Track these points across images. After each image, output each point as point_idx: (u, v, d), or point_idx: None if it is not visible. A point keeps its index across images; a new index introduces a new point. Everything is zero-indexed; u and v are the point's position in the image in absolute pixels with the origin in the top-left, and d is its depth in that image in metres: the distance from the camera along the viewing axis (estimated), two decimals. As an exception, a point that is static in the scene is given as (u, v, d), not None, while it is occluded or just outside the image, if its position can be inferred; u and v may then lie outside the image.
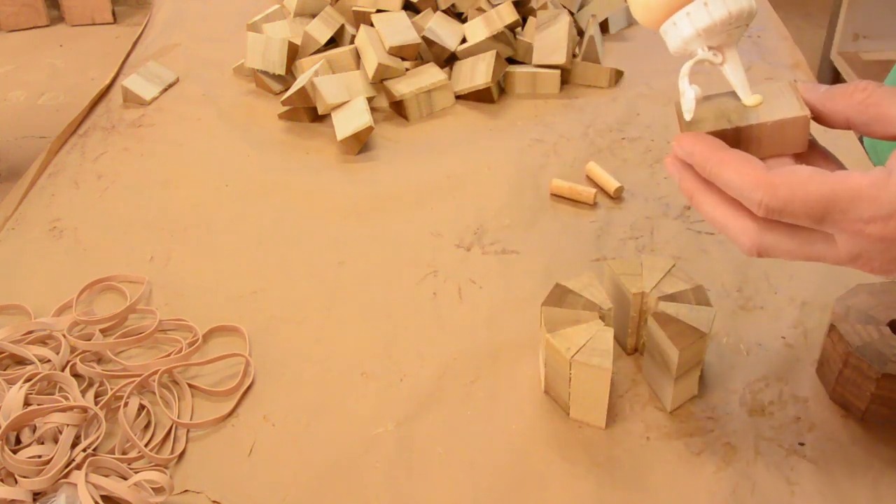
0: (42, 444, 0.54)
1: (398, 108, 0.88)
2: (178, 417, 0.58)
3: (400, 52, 0.89)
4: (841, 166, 0.44)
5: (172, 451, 0.56)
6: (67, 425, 0.55)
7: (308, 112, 0.88)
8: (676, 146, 0.42)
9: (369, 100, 0.86)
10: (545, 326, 0.55)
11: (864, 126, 0.40)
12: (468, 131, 0.86)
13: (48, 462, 0.53)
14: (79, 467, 0.53)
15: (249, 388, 0.60)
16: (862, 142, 0.83)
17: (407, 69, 0.90)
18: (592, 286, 0.58)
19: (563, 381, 0.55)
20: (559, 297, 0.57)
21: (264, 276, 0.70)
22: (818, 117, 0.43)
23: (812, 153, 0.44)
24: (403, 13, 0.92)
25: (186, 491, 0.53)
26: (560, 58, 0.90)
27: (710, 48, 0.44)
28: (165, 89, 0.95)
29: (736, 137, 0.43)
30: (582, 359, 0.53)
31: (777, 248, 0.40)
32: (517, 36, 0.92)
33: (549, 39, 0.91)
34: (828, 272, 0.66)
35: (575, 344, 0.53)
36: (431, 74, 0.88)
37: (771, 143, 0.43)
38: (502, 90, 0.92)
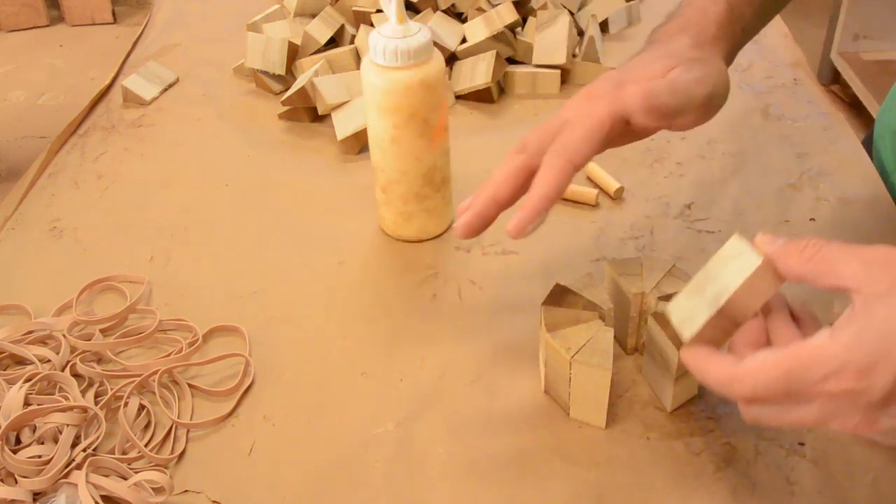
0: (42, 444, 0.54)
1: (398, 108, 0.88)
2: (178, 417, 0.58)
3: (400, 52, 0.89)
4: (813, 317, 0.47)
5: (172, 451, 0.56)
6: (67, 425, 0.55)
7: (308, 112, 0.88)
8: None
9: (369, 100, 0.86)
10: (545, 326, 0.55)
11: (816, 279, 0.44)
12: (468, 131, 0.86)
13: (48, 462, 0.53)
14: (79, 467, 0.53)
15: (249, 388, 0.60)
16: (868, 147, 0.82)
17: (407, 69, 0.90)
18: (592, 286, 0.58)
19: (563, 381, 0.55)
20: (559, 296, 0.57)
21: (264, 276, 0.70)
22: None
23: (781, 314, 0.47)
24: (403, 13, 0.91)
25: (186, 491, 0.53)
26: (560, 58, 0.90)
27: None
28: (165, 89, 0.95)
29: (720, 315, 0.46)
30: (582, 359, 0.53)
31: (765, 419, 0.44)
32: (517, 36, 0.92)
33: (549, 39, 0.91)
34: (828, 272, 0.66)
35: (575, 344, 0.53)
36: (431, 74, 0.88)
37: (747, 302, 0.46)
38: (502, 90, 0.92)
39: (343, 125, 0.83)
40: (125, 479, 0.53)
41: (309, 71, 0.88)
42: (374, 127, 0.67)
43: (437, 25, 0.91)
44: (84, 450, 0.54)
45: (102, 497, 0.52)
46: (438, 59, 0.66)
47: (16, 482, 0.52)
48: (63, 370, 0.60)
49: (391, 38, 0.63)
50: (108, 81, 0.97)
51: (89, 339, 0.63)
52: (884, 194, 0.74)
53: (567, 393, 0.55)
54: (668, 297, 0.56)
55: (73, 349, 0.62)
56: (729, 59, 0.57)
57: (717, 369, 0.45)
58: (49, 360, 0.61)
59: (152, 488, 0.52)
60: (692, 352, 0.47)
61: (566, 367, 0.53)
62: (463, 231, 0.54)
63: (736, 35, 0.58)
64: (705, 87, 0.52)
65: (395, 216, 0.71)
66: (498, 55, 0.89)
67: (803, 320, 0.47)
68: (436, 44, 0.88)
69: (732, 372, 0.43)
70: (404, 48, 0.63)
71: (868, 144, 0.83)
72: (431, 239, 0.72)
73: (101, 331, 0.64)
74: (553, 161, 0.51)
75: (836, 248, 0.44)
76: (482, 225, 0.55)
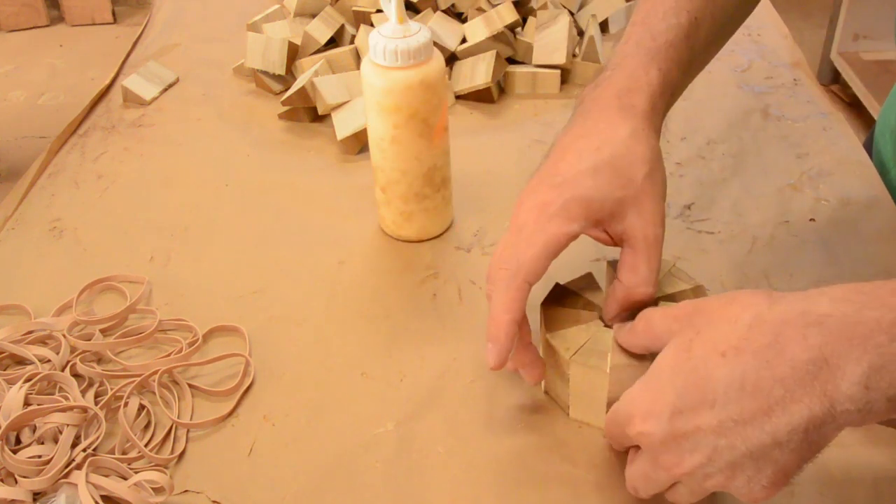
0: (42, 444, 0.54)
1: (398, 108, 0.88)
2: (178, 417, 0.58)
3: (400, 52, 0.89)
4: None
5: (172, 451, 0.56)
6: (67, 425, 0.55)
7: (308, 112, 0.88)
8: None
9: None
10: (544, 326, 0.55)
11: (650, 346, 0.49)
12: (468, 131, 0.86)
13: (48, 462, 0.53)
14: (79, 467, 0.53)
15: (249, 388, 0.60)
16: (869, 148, 0.82)
17: (407, 69, 0.90)
18: (592, 286, 0.58)
19: (562, 381, 0.55)
20: (559, 296, 0.57)
21: (264, 276, 0.70)
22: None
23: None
24: (403, 13, 0.91)
25: (186, 491, 0.53)
26: (560, 58, 0.90)
27: None
28: (165, 89, 0.95)
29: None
30: (580, 360, 0.53)
31: (628, 474, 0.49)
32: (517, 36, 0.92)
33: (549, 39, 0.91)
34: (828, 272, 0.66)
35: (574, 344, 0.53)
36: (431, 74, 0.88)
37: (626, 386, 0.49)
38: (502, 90, 0.92)
39: (343, 125, 0.83)
40: (125, 479, 0.53)
41: (309, 71, 0.88)
42: (374, 127, 0.67)
43: (437, 25, 0.91)
44: (84, 450, 0.54)
45: (102, 497, 0.52)
46: (438, 59, 0.66)
47: (16, 482, 0.52)
48: (63, 370, 0.60)
49: (391, 38, 0.63)
50: (108, 81, 0.97)
51: (89, 339, 0.63)
52: (884, 194, 0.74)
53: (567, 393, 0.55)
54: (669, 297, 0.56)
55: (73, 349, 0.62)
56: (659, 127, 0.56)
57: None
58: (49, 360, 0.61)
59: (152, 488, 0.52)
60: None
61: (565, 367, 0.53)
62: (497, 367, 0.53)
63: (667, 103, 0.57)
64: (623, 190, 0.52)
65: (395, 216, 0.71)
66: (498, 55, 0.89)
67: None
68: (436, 44, 0.89)
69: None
70: (404, 48, 0.63)
71: (869, 145, 0.83)
72: (431, 239, 0.72)
73: (101, 331, 0.64)
74: (509, 283, 0.52)
75: (655, 312, 0.48)
76: (508, 355, 0.54)
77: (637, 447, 0.47)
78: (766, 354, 0.41)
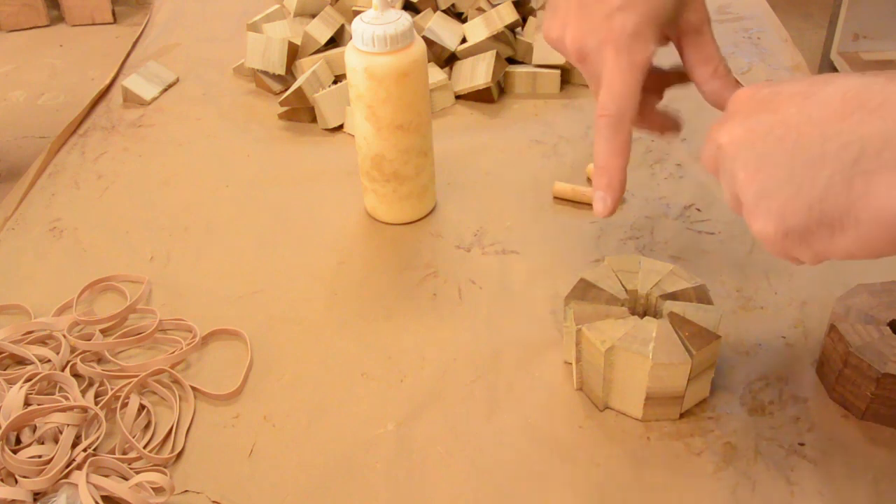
0: (42, 444, 0.54)
1: (398, 109, 0.88)
2: (179, 417, 0.58)
3: (400, 53, 0.89)
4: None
5: (172, 452, 0.56)
6: (68, 425, 0.55)
7: (308, 112, 0.88)
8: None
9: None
10: (575, 321, 0.55)
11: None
12: (468, 131, 0.86)
13: (48, 462, 0.53)
14: (79, 467, 0.53)
15: (249, 388, 0.60)
16: None
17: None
18: (609, 276, 0.58)
19: (597, 373, 0.55)
20: (583, 291, 0.57)
21: (264, 276, 0.70)
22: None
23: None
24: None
25: (186, 491, 0.53)
26: (560, 58, 0.90)
27: None
28: (165, 89, 0.95)
29: None
30: (624, 345, 0.53)
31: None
32: (517, 36, 0.93)
33: (549, 39, 0.91)
34: (828, 272, 0.66)
35: (612, 335, 0.53)
36: (431, 74, 0.88)
37: None
38: (502, 90, 0.92)
39: (330, 115, 0.84)
40: (126, 479, 0.53)
41: (308, 71, 0.88)
42: (354, 111, 0.69)
43: (437, 25, 0.91)
44: (84, 450, 0.54)
45: (103, 497, 0.52)
46: (419, 48, 0.66)
47: (16, 482, 0.52)
48: (63, 370, 0.60)
49: (369, 23, 0.64)
50: (108, 81, 0.97)
51: (89, 339, 0.63)
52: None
53: (601, 386, 0.55)
54: (671, 296, 0.56)
55: (73, 349, 0.62)
56: None
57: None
58: (49, 360, 0.61)
59: (153, 489, 0.52)
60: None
61: (606, 355, 0.53)
62: (610, 212, 0.53)
63: None
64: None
65: (376, 201, 0.73)
66: (498, 55, 0.89)
67: None
68: (436, 44, 0.89)
69: None
70: (381, 34, 0.64)
71: None
72: (402, 224, 0.74)
73: (101, 331, 0.64)
74: (616, 127, 0.51)
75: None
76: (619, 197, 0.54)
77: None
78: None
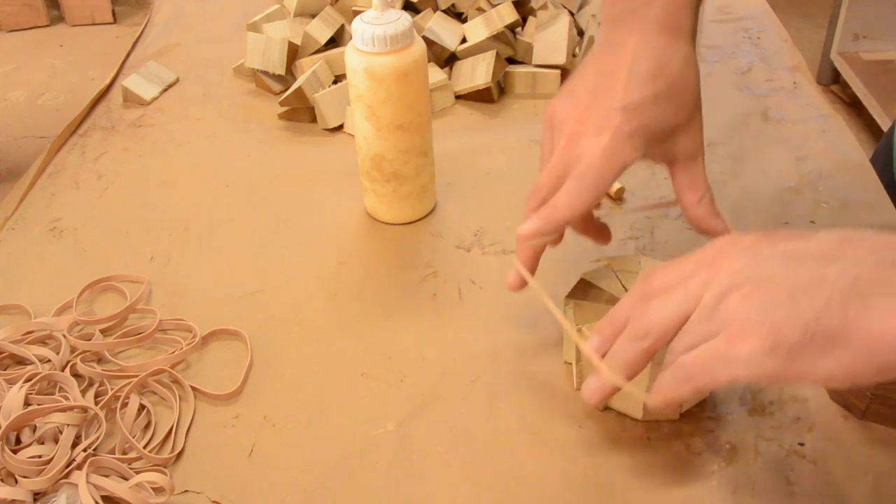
0: (42, 444, 0.54)
1: (398, 109, 0.88)
2: (179, 417, 0.58)
3: (400, 53, 0.89)
4: None
5: (172, 452, 0.56)
6: (68, 425, 0.55)
7: (308, 112, 0.88)
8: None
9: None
10: (575, 322, 0.55)
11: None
12: (468, 131, 0.86)
13: (48, 462, 0.53)
14: (79, 467, 0.53)
15: (249, 388, 0.60)
16: (881, 159, 0.82)
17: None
18: (609, 276, 0.58)
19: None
20: (583, 292, 0.57)
21: (264, 276, 0.70)
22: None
23: None
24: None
25: (186, 491, 0.53)
26: (560, 58, 0.90)
27: None
28: (165, 89, 0.95)
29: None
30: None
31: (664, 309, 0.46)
32: (517, 36, 0.92)
33: (549, 39, 0.91)
34: (828, 272, 0.66)
35: None
36: (431, 74, 0.88)
37: None
38: (502, 90, 0.92)
39: (330, 114, 0.84)
40: (126, 479, 0.53)
41: (308, 71, 0.88)
42: (354, 111, 0.69)
43: (437, 25, 0.91)
44: (84, 450, 0.54)
45: (103, 497, 0.52)
46: (419, 48, 0.66)
47: (16, 482, 0.52)
48: (63, 370, 0.60)
49: (369, 23, 0.64)
50: (108, 81, 0.97)
51: (89, 339, 0.63)
52: (883, 197, 0.74)
53: None
54: None
55: (73, 349, 0.62)
56: (693, 34, 0.56)
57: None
58: (49, 360, 0.61)
59: (153, 489, 0.52)
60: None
61: (600, 360, 0.53)
62: (532, 235, 0.55)
63: (698, 10, 0.57)
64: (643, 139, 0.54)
65: (376, 201, 0.73)
66: (498, 55, 0.89)
67: None
68: (436, 44, 0.89)
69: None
70: (381, 34, 0.64)
71: (881, 153, 0.83)
72: (400, 225, 0.74)
73: (101, 331, 0.64)
74: (587, 186, 0.53)
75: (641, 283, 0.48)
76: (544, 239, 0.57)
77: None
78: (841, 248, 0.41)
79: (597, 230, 0.60)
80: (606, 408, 0.57)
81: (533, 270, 0.58)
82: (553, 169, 0.55)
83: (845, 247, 0.40)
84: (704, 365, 0.42)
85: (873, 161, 0.80)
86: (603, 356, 0.48)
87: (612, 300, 0.56)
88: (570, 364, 0.59)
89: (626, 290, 0.57)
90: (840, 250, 0.40)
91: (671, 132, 0.55)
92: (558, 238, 0.58)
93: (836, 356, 0.38)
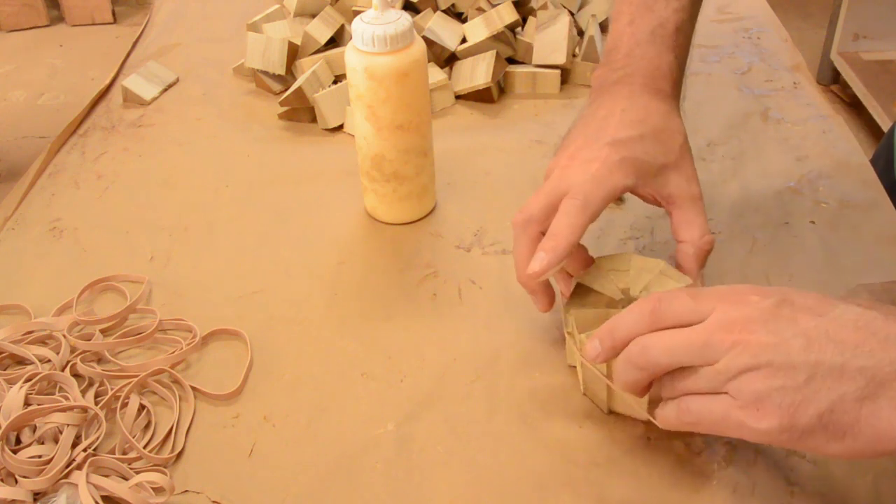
0: (42, 444, 0.54)
1: (398, 109, 0.88)
2: (179, 417, 0.58)
3: (400, 53, 0.89)
4: None
5: (172, 452, 0.56)
6: (68, 425, 0.55)
7: (308, 112, 0.88)
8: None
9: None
10: (577, 329, 0.54)
11: None
12: (468, 131, 0.86)
13: (48, 462, 0.53)
14: (79, 467, 0.53)
15: (249, 388, 0.60)
16: (882, 159, 0.82)
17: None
18: (604, 277, 0.58)
19: (599, 379, 0.54)
20: (581, 297, 0.57)
21: (264, 276, 0.70)
22: None
23: None
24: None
25: (186, 491, 0.53)
26: (560, 58, 0.90)
27: None
28: (165, 89, 0.95)
29: None
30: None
31: (669, 345, 0.47)
32: (517, 36, 0.93)
33: (549, 39, 0.91)
34: (828, 272, 0.66)
35: None
36: (431, 74, 0.88)
37: None
38: (502, 90, 0.92)
39: (330, 114, 0.84)
40: (126, 479, 0.53)
41: (308, 71, 0.88)
42: (354, 111, 0.69)
43: (437, 25, 0.91)
44: (84, 450, 0.54)
45: (103, 497, 0.52)
46: (419, 48, 0.66)
47: (16, 482, 0.52)
48: (63, 370, 0.60)
49: (369, 23, 0.64)
50: (108, 81, 0.97)
51: (89, 339, 0.63)
52: (883, 197, 0.74)
53: (604, 390, 0.55)
54: None
55: (73, 349, 0.62)
56: (675, 97, 0.62)
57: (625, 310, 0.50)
58: (49, 360, 0.61)
59: (153, 489, 0.52)
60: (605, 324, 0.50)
61: (602, 365, 0.53)
62: (541, 273, 0.56)
63: (681, 78, 0.63)
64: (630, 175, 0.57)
65: (376, 201, 0.73)
66: (498, 55, 0.89)
67: None
68: (436, 44, 0.89)
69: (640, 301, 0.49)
70: (381, 34, 0.64)
71: (883, 154, 0.83)
72: (399, 225, 0.74)
73: (101, 331, 0.64)
74: (581, 211, 0.56)
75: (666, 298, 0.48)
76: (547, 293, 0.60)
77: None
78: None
79: (585, 259, 0.61)
80: (611, 411, 0.57)
81: (551, 299, 0.60)
82: (543, 195, 0.57)
83: (866, 339, 0.42)
84: (715, 421, 0.45)
85: (873, 162, 0.80)
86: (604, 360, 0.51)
87: (612, 303, 0.56)
88: (574, 367, 0.58)
89: (620, 291, 0.57)
90: (860, 341, 0.42)
91: (661, 169, 0.58)
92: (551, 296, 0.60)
93: (846, 443, 0.42)
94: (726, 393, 0.44)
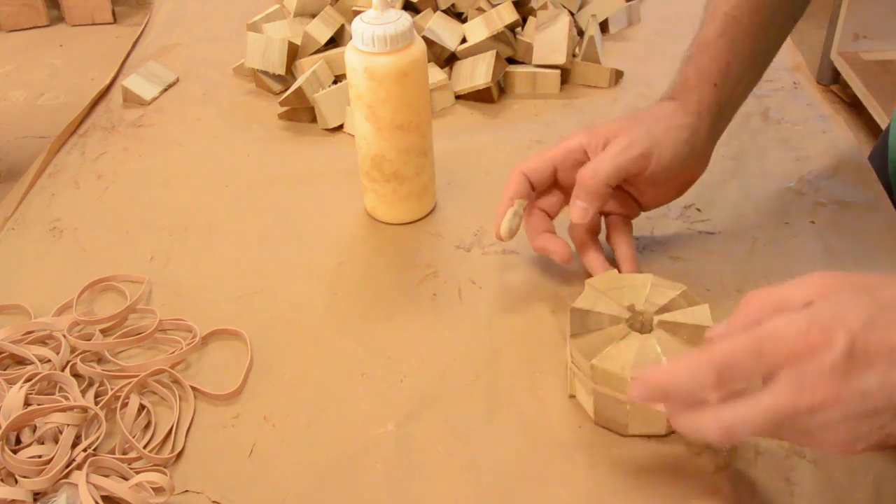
0: (42, 444, 0.54)
1: (398, 109, 0.88)
2: (179, 417, 0.58)
3: (400, 53, 0.89)
4: None
5: (172, 452, 0.56)
6: (68, 425, 0.55)
7: (308, 112, 0.88)
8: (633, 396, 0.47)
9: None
10: (584, 356, 0.53)
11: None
12: (468, 131, 0.86)
13: (48, 462, 0.53)
14: (79, 467, 0.53)
15: (249, 388, 0.60)
16: (879, 157, 0.82)
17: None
18: (599, 299, 0.57)
19: (618, 403, 0.53)
20: (581, 321, 0.55)
21: (264, 276, 0.70)
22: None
23: None
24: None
25: (187, 491, 0.53)
26: (560, 58, 0.90)
27: None
28: (165, 89, 0.95)
29: None
30: (637, 373, 0.50)
31: (737, 415, 0.43)
32: (517, 36, 0.93)
33: (549, 39, 0.91)
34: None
35: (624, 361, 0.52)
36: (431, 74, 0.88)
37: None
38: (502, 90, 0.92)
39: (330, 114, 0.85)
40: (126, 479, 0.53)
41: (308, 71, 0.88)
42: (354, 111, 0.69)
43: (437, 25, 0.91)
44: (84, 450, 0.54)
45: (103, 497, 0.52)
46: (419, 48, 0.66)
47: (16, 482, 0.52)
48: (63, 370, 0.60)
49: (369, 23, 0.64)
50: (108, 81, 0.97)
51: (89, 339, 0.63)
52: (883, 197, 0.74)
53: (624, 412, 0.53)
54: (664, 308, 0.55)
55: (73, 349, 0.62)
56: (704, 114, 0.64)
57: (683, 361, 0.44)
58: (49, 360, 0.61)
59: (153, 489, 0.52)
60: (651, 369, 0.47)
61: (623, 384, 0.51)
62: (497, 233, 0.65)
63: (714, 92, 0.65)
64: (632, 152, 0.61)
65: (376, 201, 0.73)
66: (498, 55, 0.89)
67: None
68: (436, 44, 0.89)
69: (702, 351, 0.44)
70: (381, 34, 0.64)
71: (878, 154, 0.83)
72: (400, 225, 0.74)
73: (101, 331, 0.64)
74: (511, 174, 0.65)
75: (755, 299, 0.46)
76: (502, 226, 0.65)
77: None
78: None
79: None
80: (629, 434, 0.55)
81: (587, 243, 0.66)
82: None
83: None
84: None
85: (868, 161, 0.80)
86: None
87: (615, 320, 0.55)
88: (574, 397, 0.57)
89: (625, 308, 0.56)
90: None
91: (650, 175, 0.62)
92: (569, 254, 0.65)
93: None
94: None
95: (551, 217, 0.67)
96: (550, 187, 0.66)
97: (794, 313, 0.42)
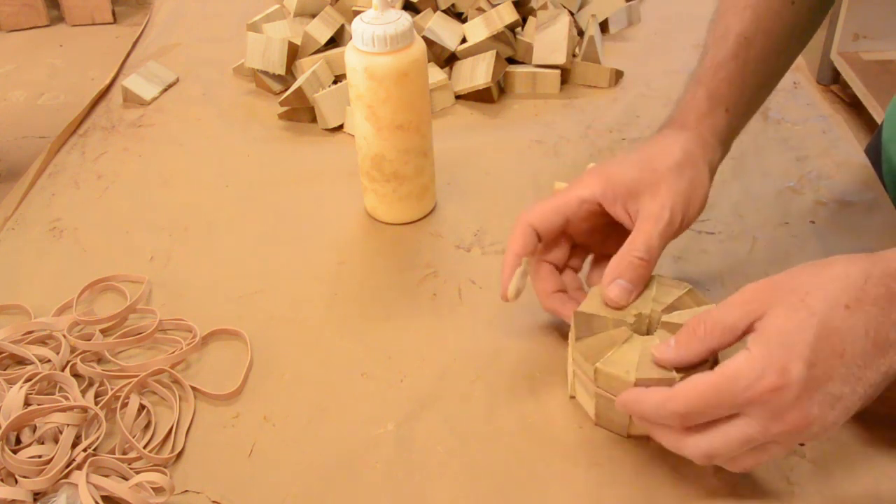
0: (42, 444, 0.54)
1: (398, 109, 0.88)
2: (179, 417, 0.58)
3: (400, 53, 0.89)
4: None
5: (172, 452, 0.56)
6: (68, 425, 0.55)
7: (308, 112, 0.88)
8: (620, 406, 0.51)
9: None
10: (587, 360, 0.53)
11: (730, 337, 0.49)
12: (468, 131, 0.86)
13: (48, 462, 0.53)
14: (79, 467, 0.53)
15: (249, 388, 0.60)
16: (874, 153, 0.82)
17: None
18: (604, 304, 0.56)
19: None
20: (585, 325, 0.55)
21: (264, 276, 0.70)
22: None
23: None
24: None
25: (186, 491, 0.53)
26: (560, 58, 0.90)
27: None
28: (165, 89, 0.95)
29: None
30: (643, 373, 0.51)
31: (712, 445, 0.47)
32: (517, 36, 0.93)
33: (549, 39, 0.91)
34: (828, 272, 0.66)
35: (627, 364, 0.51)
36: (431, 74, 0.88)
37: None
38: (502, 90, 0.92)
39: (330, 114, 0.84)
40: (126, 479, 0.53)
41: (308, 71, 0.88)
42: (354, 111, 0.69)
43: (437, 25, 0.91)
44: (84, 450, 0.54)
45: (103, 497, 0.52)
46: (419, 48, 0.66)
47: (16, 482, 0.52)
48: (63, 370, 0.60)
49: (369, 23, 0.64)
50: (108, 81, 0.97)
51: (89, 339, 0.63)
52: (883, 197, 0.74)
53: (626, 415, 0.53)
54: (671, 307, 0.55)
55: (73, 349, 0.62)
56: (710, 138, 0.61)
57: (652, 395, 0.48)
58: (49, 360, 0.61)
59: (153, 489, 0.52)
60: (630, 390, 0.50)
61: (624, 389, 0.51)
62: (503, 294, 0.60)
63: (725, 116, 0.62)
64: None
65: (376, 201, 0.73)
66: (498, 55, 0.89)
67: None
68: (436, 43, 0.89)
69: (666, 393, 0.48)
70: (381, 34, 0.64)
71: (875, 149, 0.83)
72: (400, 225, 0.74)
73: (101, 331, 0.64)
74: (515, 226, 0.59)
75: (712, 311, 0.49)
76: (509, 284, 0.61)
77: (721, 419, 0.47)
78: (882, 303, 0.45)
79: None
80: (630, 435, 0.55)
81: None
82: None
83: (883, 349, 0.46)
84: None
85: None
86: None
87: (619, 322, 0.54)
88: (574, 398, 0.57)
89: (632, 315, 0.55)
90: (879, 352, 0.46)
91: (634, 185, 0.57)
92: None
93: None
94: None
95: (560, 270, 0.62)
96: (558, 237, 0.61)
97: (746, 358, 0.46)
